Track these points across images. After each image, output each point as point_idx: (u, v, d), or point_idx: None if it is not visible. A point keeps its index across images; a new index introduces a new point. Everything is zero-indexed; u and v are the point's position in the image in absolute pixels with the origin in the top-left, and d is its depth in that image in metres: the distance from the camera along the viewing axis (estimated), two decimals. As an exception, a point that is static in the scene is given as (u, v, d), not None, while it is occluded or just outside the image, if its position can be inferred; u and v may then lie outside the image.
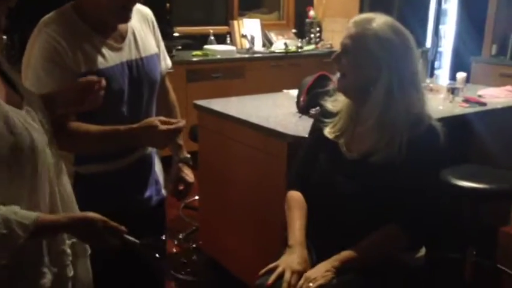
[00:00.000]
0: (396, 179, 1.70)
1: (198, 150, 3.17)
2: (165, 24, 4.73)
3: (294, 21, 6.43)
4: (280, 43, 5.80)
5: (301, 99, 2.81)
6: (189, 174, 1.99)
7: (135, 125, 1.64)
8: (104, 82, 1.49)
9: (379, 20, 1.74)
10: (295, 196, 1.93)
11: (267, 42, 5.95)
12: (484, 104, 3.20)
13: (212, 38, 5.61)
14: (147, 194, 1.93)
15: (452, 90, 3.27)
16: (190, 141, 3.47)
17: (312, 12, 6.25)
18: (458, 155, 3.03)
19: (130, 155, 1.83)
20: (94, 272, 1.54)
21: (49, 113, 1.42)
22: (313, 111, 2.61)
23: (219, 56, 5.28)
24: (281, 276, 1.68)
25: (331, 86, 1.95)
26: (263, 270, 1.75)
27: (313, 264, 1.74)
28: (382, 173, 1.72)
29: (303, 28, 6.30)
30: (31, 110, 1.30)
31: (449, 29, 6.32)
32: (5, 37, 4.13)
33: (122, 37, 1.76)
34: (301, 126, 2.54)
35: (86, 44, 1.66)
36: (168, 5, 5.03)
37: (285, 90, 3.53)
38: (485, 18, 5.50)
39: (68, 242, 1.39)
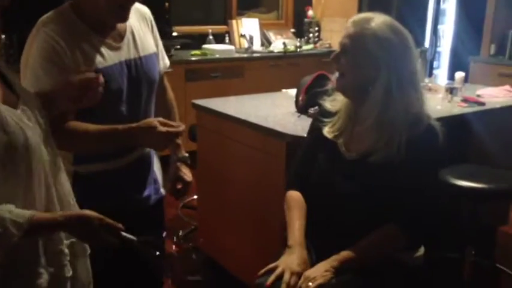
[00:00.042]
0: (395, 178, 1.70)
1: (196, 149, 3.16)
2: (163, 24, 4.73)
3: (293, 20, 6.43)
4: (278, 43, 5.80)
5: (300, 98, 2.81)
6: (187, 173, 1.99)
7: (133, 125, 1.64)
8: (102, 78, 1.48)
9: (378, 20, 1.74)
10: (294, 196, 1.93)
11: (266, 41, 5.95)
12: (482, 104, 3.20)
13: (211, 37, 5.61)
14: (146, 193, 1.93)
15: (451, 90, 3.27)
16: (189, 140, 3.47)
17: (310, 12, 6.25)
18: (457, 155, 3.03)
19: (129, 154, 1.83)
20: (94, 271, 1.54)
21: (47, 111, 1.42)
22: (311, 110, 2.60)
23: (217, 56, 5.27)
24: (280, 276, 1.68)
25: (329, 86, 1.95)
26: (262, 271, 1.75)
27: (312, 264, 1.74)
28: (381, 173, 1.72)
29: (301, 28, 6.30)
30: (27, 109, 1.30)
31: (447, 29, 6.32)
32: (3, 36, 4.12)
33: (121, 36, 1.76)
34: (299, 126, 2.54)
35: (85, 44, 1.66)
36: (166, 4, 5.03)
37: (283, 90, 3.53)
38: (483, 18, 5.50)
39: (66, 242, 1.39)
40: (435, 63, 6.29)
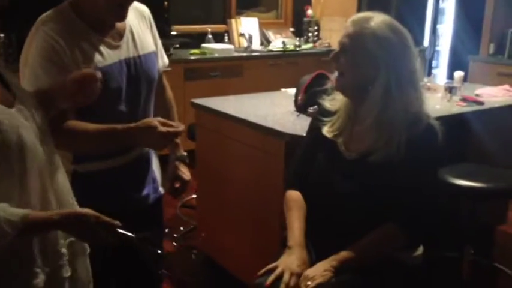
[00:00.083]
0: (395, 178, 1.70)
1: (195, 148, 3.16)
2: (162, 23, 4.73)
3: (292, 20, 6.42)
4: (278, 42, 5.80)
5: (299, 98, 2.81)
6: (185, 172, 1.99)
7: (132, 125, 1.64)
8: (99, 74, 1.48)
9: (377, 19, 1.74)
10: (294, 196, 1.92)
11: (265, 41, 5.94)
12: (481, 103, 3.21)
13: (210, 36, 5.60)
14: (145, 192, 1.93)
15: (450, 89, 3.27)
16: (188, 139, 3.47)
17: (309, 11, 6.25)
18: (456, 154, 3.03)
19: (128, 153, 1.83)
20: (93, 271, 1.54)
21: (46, 109, 1.42)
22: (311, 109, 2.60)
23: (216, 55, 5.27)
24: (280, 277, 1.68)
25: (329, 85, 1.95)
26: (262, 271, 1.75)
27: (312, 264, 1.74)
28: (381, 172, 1.72)
29: (300, 27, 6.30)
30: (23, 109, 1.30)
31: (447, 28, 6.32)
32: (2, 35, 4.13)
33: (120, 35, 1.76)
34: (299, 125, 2.54)
35: (84, 43, 1.66)
36: (166, 3, 5.03)
37: (282, 89, 3.53)
38: (482, 17, 5.50)
39: (63, 241, 1.39)
40: (434, 63, 6.28)
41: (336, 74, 1.83)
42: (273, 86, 3.81)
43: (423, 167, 1.74)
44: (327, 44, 6.06)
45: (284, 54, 5.64)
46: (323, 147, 1.88)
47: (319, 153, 1.89)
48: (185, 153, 2.02)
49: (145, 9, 1.91)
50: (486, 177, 2.73)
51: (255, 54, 5.52)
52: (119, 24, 1.75)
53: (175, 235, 3.58)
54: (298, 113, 2.80)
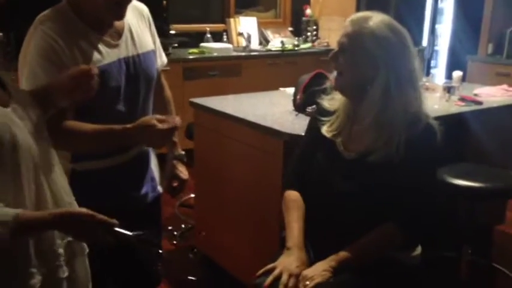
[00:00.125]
0: (394, 177, 1.70)
1: (193, 148, 3.16)
2: (161, 22, 4.71)
3: (291, 19, 6.42)
4: (276, 41, 5.80)
5: (298, 97, 2.81)
6: (183, 171, 1.99)
7: (129, 125, 1.63)
8: (95, 70, 1.47)
9: (376, 19, 1.74)
10: (292, 196, 1.92)
11: (264, 40, 5.94)
12: (480, 103, 3.21)
13: (209, 35, 5.59)
14: (143, 190, 1.93)
15: (449, 89, 3.27)
16: (186, 138, 3.47)
17: (308, 11, 6.24)
18: (454, 154, 3.03)
19: (127, 152, 1.83)
20: (91, 271, 1.54)
21: (44, 108, 1.42)
22: (309, 109, 2.60)
23: (215, 54, 5.27)
24: (278, 278, 1.68)
25: (327, 84, 1.95)
26: (260, 271, 1.75)
27: (311, 264, 1.74)
28: (380, 172, 1.72)
29: (299, 26, 6.29)
30: (18, 108, 1.30)
31: (445, 28, 6.32)
32: (0, 34, 4.12)
33: (119, 34, 1.76)
34: (297, 125, 2.54)
35: (83, 41, 1.66)
36: (164, 2, 5.02)
37: (281, 89, 3.53)
38: (481, 17, 5.51)
39: (60, 242, 1.38)
40: (433, 62, 6.29)
41: (334, 73, 1.83)
42: (272, 85, 3.81)
43: (423, 167, 1.74)
44: (325, 44, 6.06)
45: (283, 54, 5.63)
46: (322, 147, 1.88)
47: (318, 153, 1.89)
48: (183, 152, 2.02)
49: (144, 7, 1.91)
50: (484, 177, 2.73)
51: (254, 53, 5.52)
52: (117, 23, 1.75)
53: (175, 233, 3.58)
54: (296, 113, 2.80)
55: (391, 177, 1.70)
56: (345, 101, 1.85)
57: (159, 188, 2.02)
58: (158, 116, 1.65)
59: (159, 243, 2.14)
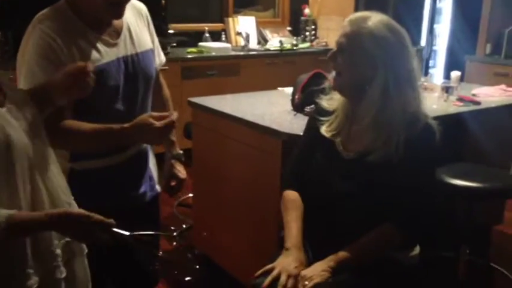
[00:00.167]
0: (393, 177, 1.70)
1: (192, 147, 3.16)
2: (160, 21, 4.71)
3: (289, 19, 6.43)
4: (275, 41, 5.80)
5: (296, 97, 2.81)
6: (181, 171, 1.99)
7: (126, 125, 1.62)
8: (91, 66, 1.47)
9: (375, 19, 1.73)
10: (291, 196, 1.92)
11: (262, 39, 5.94)
12: (478, 103, 3.21)
13: (207, 35, 5.59)
14: (142, 189, 1.93)
15: (447, 89, 3.27)
16: (184, 138, 3.47)
17: (307, 10, 6.25)
18: (452, 154, 3.03)
19: (125, 151, 1.83)
20: (92, 271, 1.54)
21: (42, 107, 1.41)
22: (308, 109, 2.60)
23: (214, 54, 5.26)
24: (277, 278, 1.67)
25: (326, 84, 1.95)
26: (259, 272, 1.74)
27: (309, 264, 1.73)
28: (379, 172, 1.72)
29: (298, 26, 6.30)
30: (13, 108, 1.30)
31: (444, 28, 6.33)
32: (-2, 33, 4.12)
33: (117, 33, 1.76)
34: (296, 124, 2.54)
35: (81, 41, 1.66)
36: (163, 1, 5.02)
37: (280, 88, 3.53)
38: (479, 17, 5.51)
39: (58, 242, 1.38)
40: (431, 62, 6.29)
41: (333, 73, 1.83)
42: (270, 85, 3.81)
43: (422, 167, 1.74)
44: (324, 43, 6.06)
45: (281, 53, 5.63)
46: (321, 147, 1.88)
47: (317, 152, 1.89)
48: (181, 152, 2.02)
49: (142, 6, 1.91)
50: (482, 177, 2.73)
51: (252, 53, 5.51)
52: (116, 22, 1.75)
53: (174, 234, 3.58)
54: (295, 112, 2.80)
55: (390, 177, 1.70)
56: (344, 101, 1.85)
57: (158, 187, 2.02)
58: (155, 114, 1.65)
59: (157, 242, 2.14)
